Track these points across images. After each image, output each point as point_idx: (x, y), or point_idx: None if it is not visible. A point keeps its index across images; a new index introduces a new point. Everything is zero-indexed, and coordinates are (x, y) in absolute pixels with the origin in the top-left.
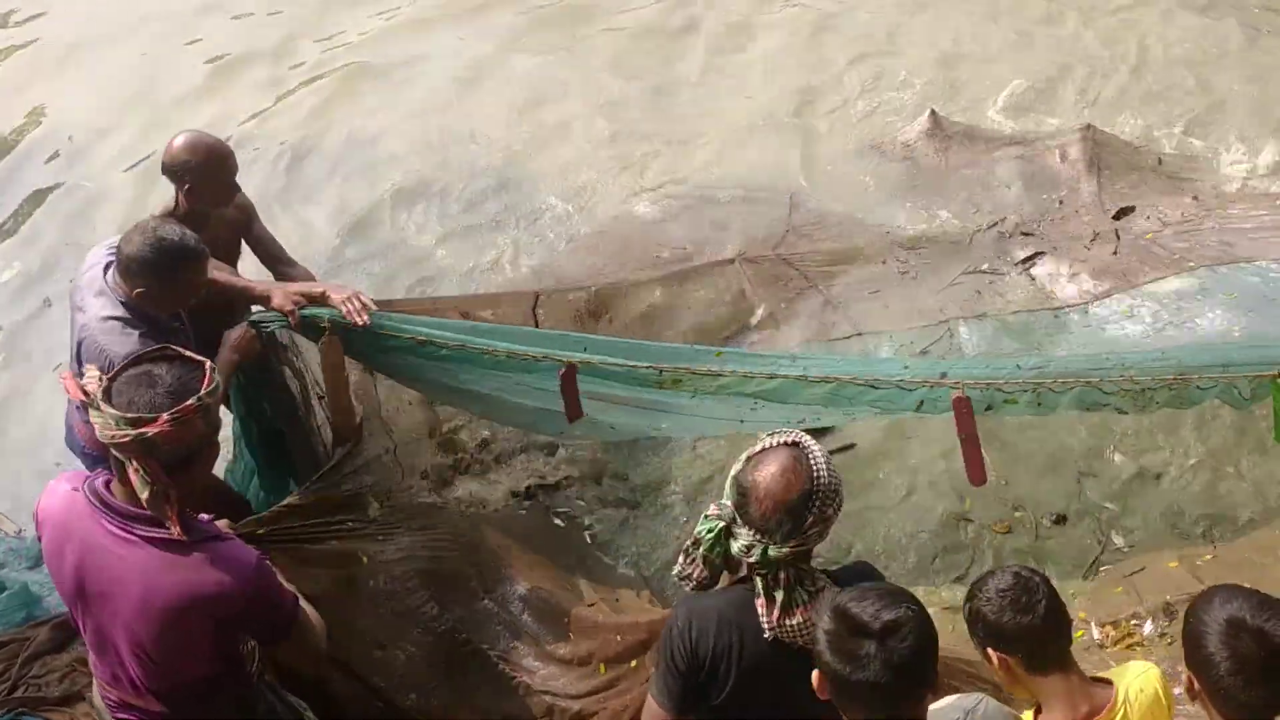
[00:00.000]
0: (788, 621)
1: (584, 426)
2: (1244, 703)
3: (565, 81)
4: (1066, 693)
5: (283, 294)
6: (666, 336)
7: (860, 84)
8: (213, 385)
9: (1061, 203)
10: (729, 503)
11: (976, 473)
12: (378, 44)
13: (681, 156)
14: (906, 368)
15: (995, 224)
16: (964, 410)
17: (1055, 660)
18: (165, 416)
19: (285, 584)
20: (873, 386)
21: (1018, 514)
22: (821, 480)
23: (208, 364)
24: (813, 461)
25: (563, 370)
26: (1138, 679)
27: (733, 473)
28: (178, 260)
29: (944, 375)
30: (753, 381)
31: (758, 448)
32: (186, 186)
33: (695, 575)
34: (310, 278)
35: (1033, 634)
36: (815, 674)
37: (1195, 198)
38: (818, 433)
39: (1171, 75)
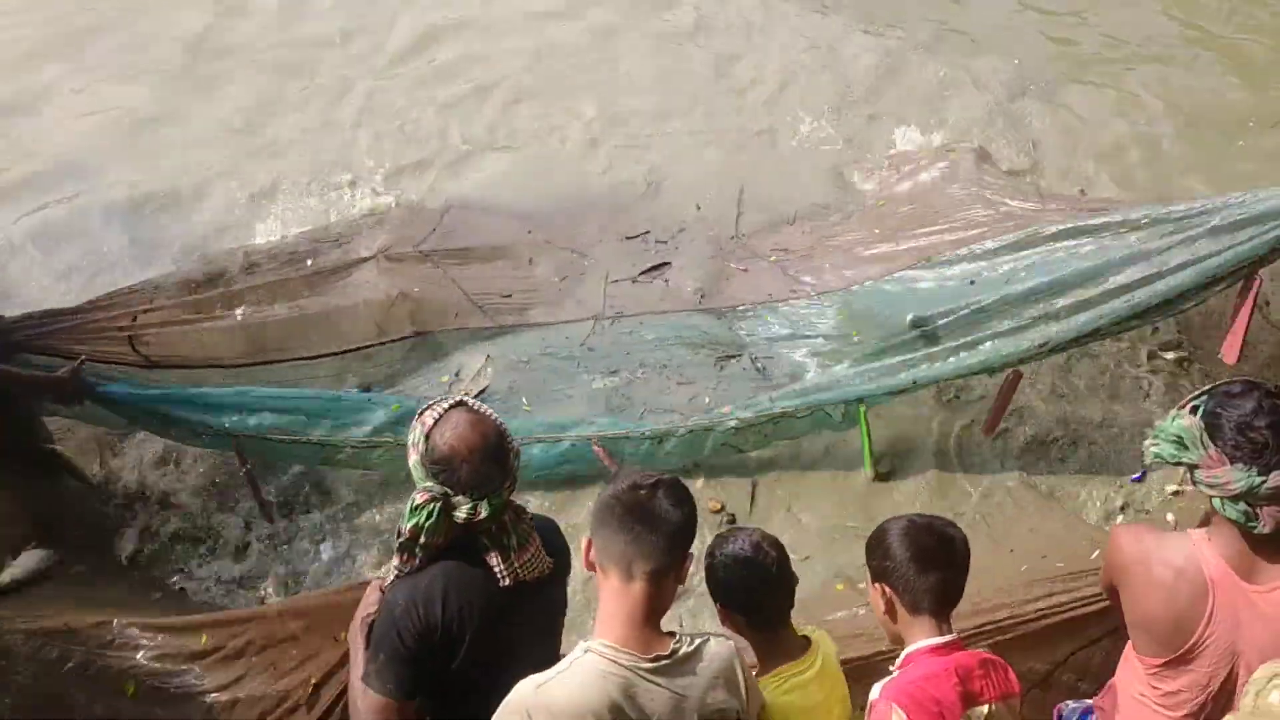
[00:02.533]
0: (523, 558)
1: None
2: (926, 589)
3: None
4: (776, 642)
5: None
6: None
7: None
8: None
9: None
10: (432, 482)
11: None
12: None
13: None
14: None
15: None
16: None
17: (777, 618)
18: None
19: None
20: None
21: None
22: (498, 419)
23: None
24: (483, 407)
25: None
26: (828, 640)
27: (416, 457)
28: None
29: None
30: None
31: (429, 422)
32: None
33: (409, 568)
34: None
35: (755, 598)
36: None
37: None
38: None
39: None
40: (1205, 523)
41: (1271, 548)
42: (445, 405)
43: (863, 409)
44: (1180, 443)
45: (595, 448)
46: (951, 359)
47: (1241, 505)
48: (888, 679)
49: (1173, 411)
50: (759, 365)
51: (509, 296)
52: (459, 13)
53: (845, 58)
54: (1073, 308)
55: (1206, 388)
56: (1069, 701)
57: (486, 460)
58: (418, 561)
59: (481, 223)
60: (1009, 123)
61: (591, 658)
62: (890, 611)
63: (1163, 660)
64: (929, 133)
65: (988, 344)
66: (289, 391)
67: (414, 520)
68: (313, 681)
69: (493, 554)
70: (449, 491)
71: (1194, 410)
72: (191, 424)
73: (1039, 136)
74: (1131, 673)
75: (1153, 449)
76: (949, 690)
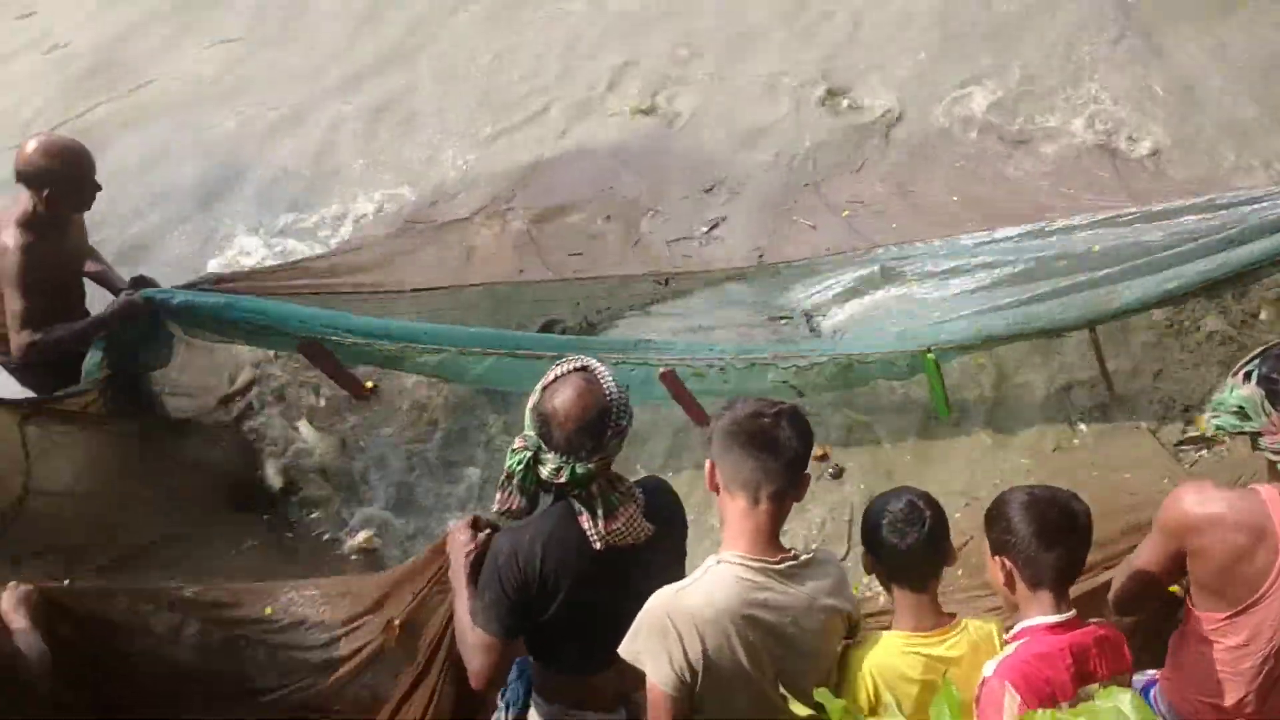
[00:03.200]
0: (614, 525)
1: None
2: (1047, 565)
3: None
4: (915, 607)
5: None
6: None
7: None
8: None
9: None
10: (532, 433)
11: (699, 415)
12: None
13: None
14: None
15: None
16: (670, 381)
17: (916, 581)
18: None
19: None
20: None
21: None
22: (613, 397)
23: None
24: (603, 381)
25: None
26: (978, 620)
27: (530, 404)
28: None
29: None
30: None
31: (550, 377)
32: (47, 193)
33: (514, 506)
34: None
35: (897, 556)
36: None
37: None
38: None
39: None
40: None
41: None
42: (570, 366)
43: (930, 357)
44: (1242, 412)
45: (662, 379)
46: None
47: None
48: (1001, 655)
49: (1228, 381)
50: (812, 325)
51: (579, 254)
52: None
53: None
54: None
55: (1257, 352)
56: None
57: (581, 429)
58: (517, 503)
59: (563, 180)
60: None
61: (724, 567)
62: (1009, 583)
63: (1228, 614)
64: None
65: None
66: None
67: (509, 462)
68: (397, 622)
69: (584, 516)
70: (541, 445)
71: (1248, 377)
72: (255, 326)
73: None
74: (1193, 631)
75: (1214, 421)
76: (1062, 670)
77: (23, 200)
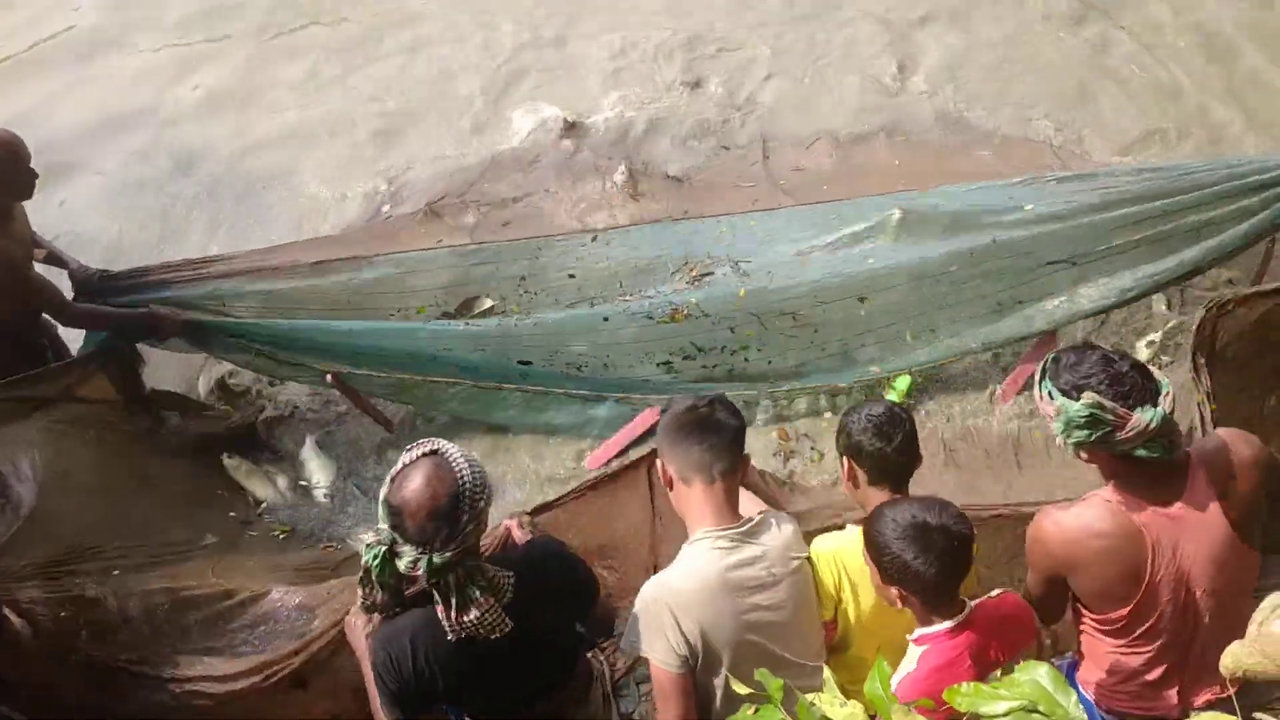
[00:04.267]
0: (465, 618)
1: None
2: (931, 581)
3: None
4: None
5: None
6: None
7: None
8: None
9: None
10: (385, 525)
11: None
12: None
13: None
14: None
15: None
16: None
17: (898, 480)
18: None
19: None
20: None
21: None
22: (465, 479)
23: None
24: (453, 464)
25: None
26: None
27: (381, 496)
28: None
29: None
30: None
31: (399, 465)
32: None
33: (377, 601)
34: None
35: (883, 457)
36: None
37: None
38: None
39: None
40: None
41: (1162, 468)
42: (419, 451)
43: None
44: (1094, 419)
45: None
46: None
47: (1158, 440)
48: (903, 671)
49: (1057, 404)
50: (740, 269)
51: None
52: None
53: None
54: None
55: (1047, 367)
56: (1053, 659)
57: (434, 518)
58: (378, 598)
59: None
60: None
61: (697, 544)
62: (905, 601)
63: (1124, 611)
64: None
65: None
66: (379, 325)
67: (365, 556)
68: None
69: (438, 605)
70: (396, 538)
71: (1069, 391)
72: (277, 358)
73: None
74: (1091, 629)
75: (1071, 441)
76: (963, 674)
77: None
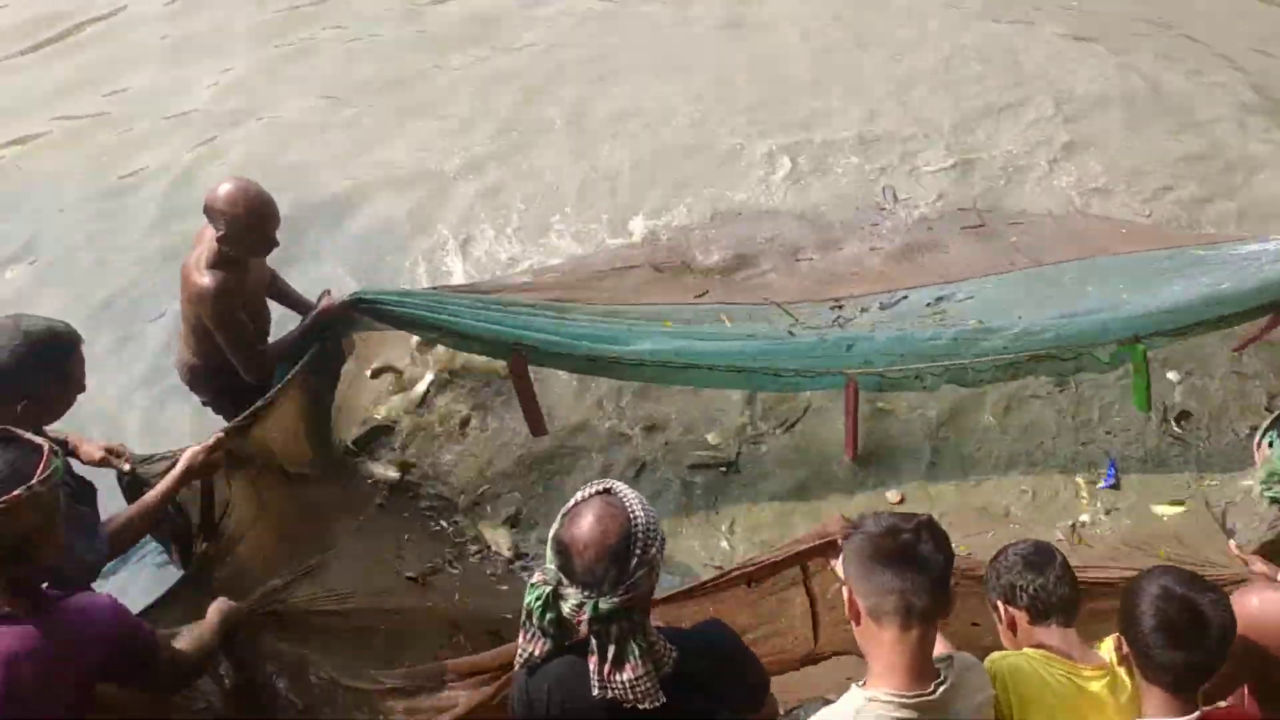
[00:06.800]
0: (617, 677)
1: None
2: (1163, 663)
3: None
4: (1065, 642)
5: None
6: None
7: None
8: (48, 472)
9: None
10: (552, 565)
11: (851, 447)
12: None
13: None
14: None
15: None
16: (852, 392)
17: (1064, 614)
18: None
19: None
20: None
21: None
22: (639, 521)
23: (47, 448)
24: (627, 504)
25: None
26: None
27: (551, 533)
28: (61, 352)
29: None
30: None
31: (571, 503)
32: (221, 234)
33: (537, 651)
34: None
35: (1044, 593)
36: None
37: None
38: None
39: None
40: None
41: None
42: (592, 490)
43: (1141, 348)
44: None
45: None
46: None
47: None
48: None
49: (1268, 454)
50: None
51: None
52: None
53: None
54: None
55: (1273, 417)
56: None
57: (602, 558)
58: (540, 647)
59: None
60: None
61: (877, 707)
62: (1127, 664)
63: None
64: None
65: None
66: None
67: (528, 598)
68: None
69: (594, 657)
70: (562, 579)
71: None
72: (463, 330)
73: None
74: None
75: (1270, 494)
76: None
77: (206, 238)
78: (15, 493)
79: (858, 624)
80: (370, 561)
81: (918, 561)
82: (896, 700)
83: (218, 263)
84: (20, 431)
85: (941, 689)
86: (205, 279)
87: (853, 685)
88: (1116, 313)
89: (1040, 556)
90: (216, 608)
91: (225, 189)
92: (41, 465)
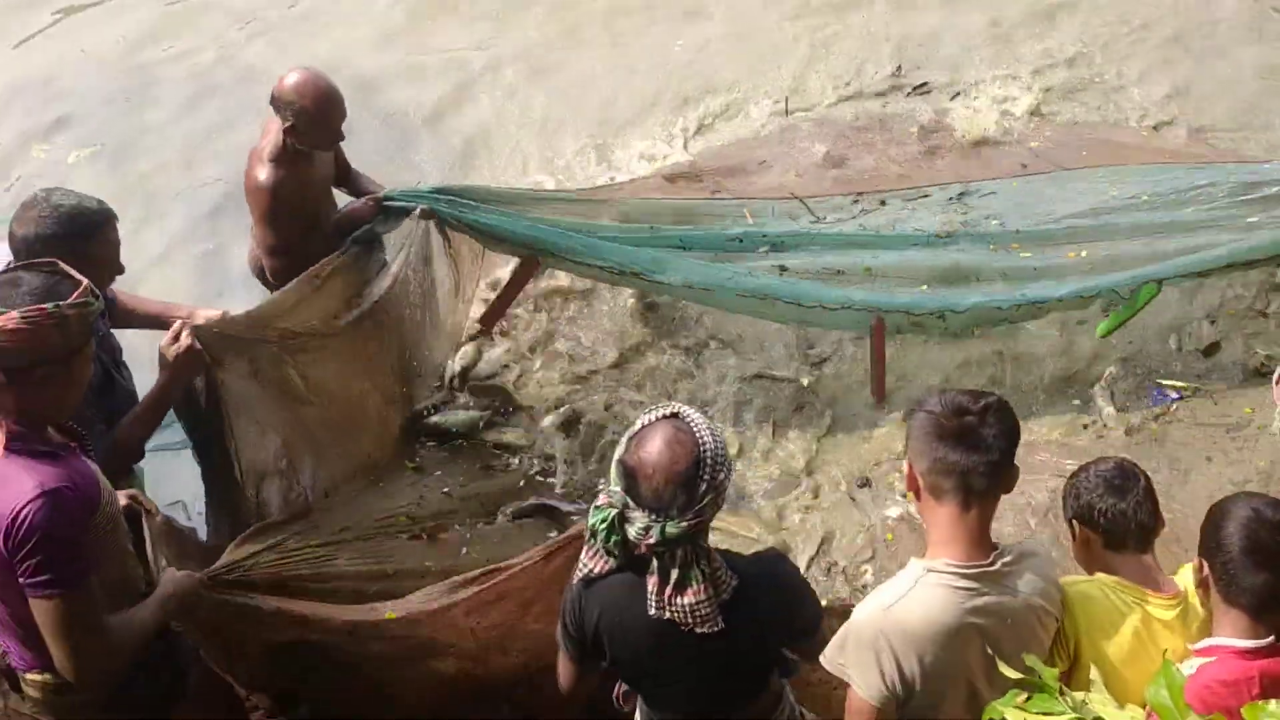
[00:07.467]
0: (679, 600)
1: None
2: (1247, 587)
3: None
4: (1139, 569)
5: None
6: None
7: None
8: (81, 300)
9: None
10: (617, 488)
11: (880, 390)
12: None
13: None
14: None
15: None
16: (879, 332)
17: (1140, 541)
18: (15, 314)
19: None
20: (800, 304)
21: None
22: (707, 446)
23: (86, 283)
24: (695, 429)
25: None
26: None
27: (616, 456)
28: (87, 229)
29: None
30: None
31: (637, 426)
32: (289, 125)
33: (598, 568)
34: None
35: (1121, 516)
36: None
37: None
38: None
39: None
40: None
41: None
42: (659, 414)
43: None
44: None
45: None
46: None
47: None
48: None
49: None
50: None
51: None
52: None
53: None
54: None
55: None
56: None
57: (671, 482)
58: (603, 565)
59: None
60: None
61: (935, 578)
62: (1204, 588)
63: None
64: None
65: None
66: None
67: (592, 519)
68: None
69: (653, 578)
70: (628, 502)
71: None
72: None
73: None
74: None
75: None
76: (1247, 699)
77: (272, 130)
78: (44, 306)
79: (918, 498)
80: (380, 498)
81: (980, 443)
82: (955, 570)
83: (281, 156)
84: (68, 268)
85: (1001, 560)
86: (261, 173)
87: (912, 559)
88: (1158, 265)
89: (1124, 479)
90: (168, 579)
91: (292, 79)
92: (77, 293)
